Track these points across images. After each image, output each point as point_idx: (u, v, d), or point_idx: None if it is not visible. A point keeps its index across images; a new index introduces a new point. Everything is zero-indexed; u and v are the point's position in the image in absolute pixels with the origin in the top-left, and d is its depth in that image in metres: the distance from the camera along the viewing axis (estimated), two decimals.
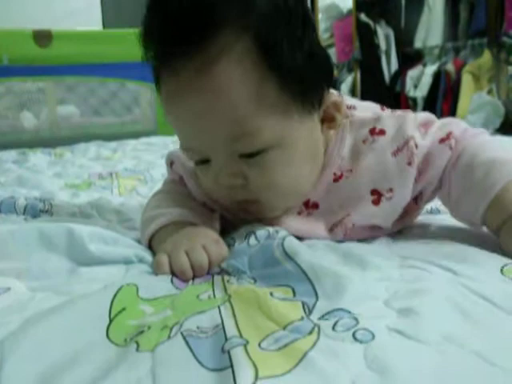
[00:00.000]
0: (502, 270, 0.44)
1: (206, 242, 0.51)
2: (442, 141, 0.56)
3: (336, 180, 0.59)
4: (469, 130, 0.59)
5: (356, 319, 0.35)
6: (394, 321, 0.36)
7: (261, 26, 0.48)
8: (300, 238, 0.55)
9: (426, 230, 0.62)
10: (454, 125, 0.58)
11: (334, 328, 0.34)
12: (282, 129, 0.51)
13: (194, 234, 0.54)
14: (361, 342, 0.32)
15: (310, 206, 0.60)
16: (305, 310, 0.38)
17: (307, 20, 0.53)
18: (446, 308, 0.37)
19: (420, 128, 0.58)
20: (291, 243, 0.49)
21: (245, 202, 0.56)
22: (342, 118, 0.58)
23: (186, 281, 0.47)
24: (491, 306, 0.37)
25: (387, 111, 0.62)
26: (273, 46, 0.48)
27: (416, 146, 0.55)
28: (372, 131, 0.58)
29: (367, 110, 0.62)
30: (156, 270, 0.49)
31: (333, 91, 0.58)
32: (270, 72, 0.49)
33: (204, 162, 0.55)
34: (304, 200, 0.60)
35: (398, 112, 0.61)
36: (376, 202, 0.57)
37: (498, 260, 0.47)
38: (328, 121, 0.57)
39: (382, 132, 0.57)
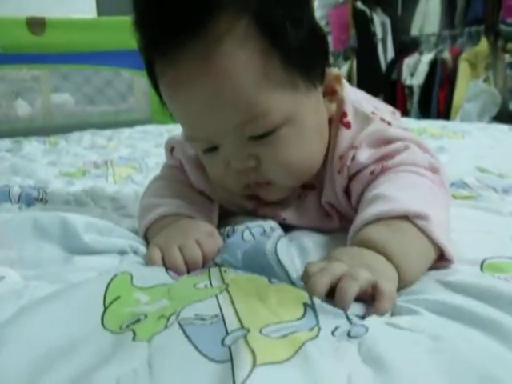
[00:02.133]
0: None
1: (200, 236, 0.51)
2: (373, 163, 0.54)
3: (339, 171, 0.58)
4: (417, 161, 0.53)
5: (350, 320, 0.35)
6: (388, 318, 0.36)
7: (259, 5, 0.48)
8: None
9: None
10: (405, 153, 0.54)
11: (333, 333, 0.33)
12: (291, 106, 0.50)
13: (187, 228, 0.53)
14: (355, 337, 0.32)
15: (306, 187, 0.60)
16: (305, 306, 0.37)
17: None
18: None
19: (378, 143, 0.55)
20: (283, 248, 0.47)
21: (256, 185, 0.55)
22: (342, 89, 0.58)
23: (180, 275, 0.47)
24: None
25: (382, 112, 0.60)
26: (274, 25, 0.48)
27: (353, 158, 0.54)
28: (342, 118, 0.57)
29: (368, 102, 0.61)
30: (149, 264, 0.49)
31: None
32: (274, 50, 0.48)
33: (212, 149, 0.54)
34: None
35: (388, 118, 0.59)
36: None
37: None
38: (329, 94, 0.57)
39: (348, 125, 0.57)
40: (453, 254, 0.45)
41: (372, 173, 0.53)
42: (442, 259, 0.45)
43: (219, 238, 0.52)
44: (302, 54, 0.50)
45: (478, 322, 0.33)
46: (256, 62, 0.47)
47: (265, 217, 0.58)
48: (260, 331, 0.32)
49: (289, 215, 0.60)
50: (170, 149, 0.68)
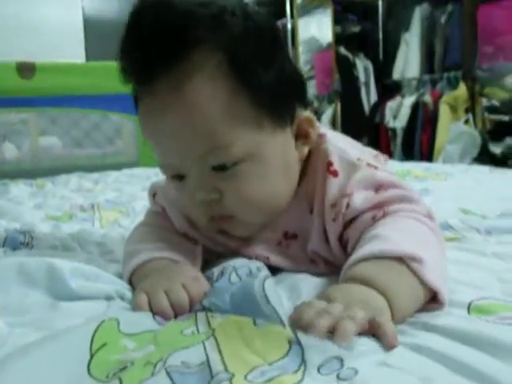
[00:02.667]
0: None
1: (186, 280, 0.51)
2: (371, 208, 0.55)
3: (311, 211, 0.59)
4: (413, 207, 0.54)
5: (341, 360, 0.34)
6: (380, 357, 0.36)
7: (232, 45, 0.51)
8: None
9: None
10: (402, 202, 0.54)
11: (319, 370, 0.33)
12: (254, 142, 0.52)
13: (172, 273, 0.53)
14: (344, 379, 0.32)
15: (288, 237, 0.61)
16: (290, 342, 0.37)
17: (277, 39, 0.56)
18: None
19: (370, 188, 0.56)
20: (270, 287, 0.47)
21: (220, 219, 0.56)
22: (316, 133, 0.59)
23: (167, 319, 0.47)
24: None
25: (368, 157, 0.62)
26: (243, 64, 0.51)
27: (347, 206, 0.55)
28: (328, 167, 0.58)
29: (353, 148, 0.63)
30: (136, 310, 0.48)
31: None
32: (241, 88, 0.51)
33: (180, 177, 0.56)
34: (275, 218, 0.59)
35: (374, 164, 0.59)
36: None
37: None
38: (302, 137, 0.58)
39: (335, 173, 0.57)
40: (446, 298, 0.45)
41: (374, 218, 0.53)
42: (433, 301, 0.46)
43: (205, 281, 0.52)
44: (270, 95, 0.53)
45: (464, 369, 0.34)
46: (222, 97, 0.50)
47: (249, 257, 0.58)
48: (245, 377, 0.32)
49: (272, 256, 0.60)
50: (153, 194, 0.69)
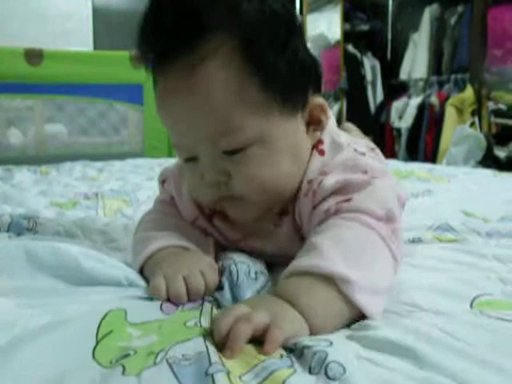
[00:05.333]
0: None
1: (204, 267, 0.52)
2: (335, 192, 0.55)
3: (306, 195, 0.59)
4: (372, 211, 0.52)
5: (325, 352, 0.35)
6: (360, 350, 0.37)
7: (247, 31, 0.52)
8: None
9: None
10: (365, 191, 0.54)
11: (310, 371, 0.34)
12: (263, 127, 0.53)
13: (192, 259, 0.55)
14: (334, 379, 0.33)
15: (282, 214, 0.62)
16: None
17: (293, 26, 0.57)
18: None
19: (350, 172, 0.56)
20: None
21: (227, 200, 0.57)
22: (328, 120, 0.60)
23: (177, 305, 0.48)
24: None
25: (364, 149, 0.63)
26: (257, 51, 0.52)
27: (319, 183, 0.56)
28: (318, 145, 0.60)
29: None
30: (152, 293, 0.49)
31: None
32: (254, 74, 0.52)
33: (192, 159, 0.57)
34: (284, 203, 0.60)
35: (361, 150, 0.60)
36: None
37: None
38: (314, 123, 0.60)
39: (322, 152, 0.59)
40: (375, 314, 0.45)
41: (326, 211, 0.54)
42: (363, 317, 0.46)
43: (218, 271, 0.54)
44: (282, 82, 0.54)
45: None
46: (235, 82, 0.52)
47: (251, 253, 0.60)
48: (239, 377, 0.33)
49: (268, 246, 0.62)
50: (162, 181, 0.70)
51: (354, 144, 0.61)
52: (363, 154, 0.60)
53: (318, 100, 0.59)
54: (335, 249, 0.47)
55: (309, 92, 0.58)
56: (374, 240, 0.50)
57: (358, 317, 0.45)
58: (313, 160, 0.59)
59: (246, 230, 0.63)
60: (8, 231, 0.79)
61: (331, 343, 0.37)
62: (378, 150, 0.72)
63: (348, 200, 0.53)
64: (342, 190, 0.55)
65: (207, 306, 0.47)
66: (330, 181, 0.56)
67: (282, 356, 0.37)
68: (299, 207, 0.59)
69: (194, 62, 0.51)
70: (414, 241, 0.73)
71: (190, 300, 0.49)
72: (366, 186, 0.54)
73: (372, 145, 0.72)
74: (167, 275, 0.51)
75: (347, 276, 0.44)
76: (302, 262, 0.47)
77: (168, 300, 0.48)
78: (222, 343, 0.38)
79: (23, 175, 1.66)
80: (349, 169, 0.57)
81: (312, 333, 0.42)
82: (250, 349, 0.37)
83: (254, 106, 0.52)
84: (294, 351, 0.38)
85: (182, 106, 0.53)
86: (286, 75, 0.54)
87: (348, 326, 0.44)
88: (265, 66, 0.52)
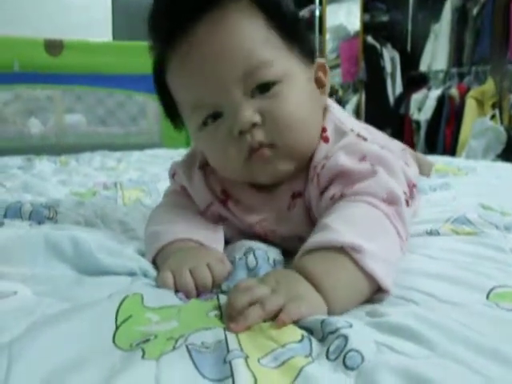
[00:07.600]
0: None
1: (211, 260, 0.53)
2: (336, 177, 0.57)
3: (312, 179, 0.61)
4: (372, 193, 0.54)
5: (345, 337, 0.35)
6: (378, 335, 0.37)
7: None
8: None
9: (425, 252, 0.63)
10: (368, 180, 0.55)
11: (327, 356, 0.35)
12: (289, 64, 0.58)
13: (198, 253, 0.56)
14: (352, 368, 0.33)
15: (295, 196, 0.63)
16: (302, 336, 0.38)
17: None
18: None
19: (353, 156, 0.58)
20: None
21: (259, 149, 0.57)
22: (329, 82, 0.65)
23: (188, 298, 0.48)
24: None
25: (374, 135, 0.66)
26: (269, 4, 0.58)
27: (323, 167, 0.58)
28: (322, 132, 0.62)
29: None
30: (160, 286, 0.50)
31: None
32: (271, 22, 0.57)
33: (215, 117, 0.57)
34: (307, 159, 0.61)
35: (364, 136, 0.63)
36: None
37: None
38: (319, 86, 0.64)
39: (327, 139, 0.61)
40: (389, 285, 0.46)
41: (332, 198, 0.56)
42: (380, 290, 0.47)
43: (228, 263, 0.54)
44: (296, 31, 0.60)
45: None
46: (258, 27, 0.56)
47: (265, 238, 0.62)
48: (258, 360, 0.33)
49: (280, 228, 0.64)
50: (173, 174, 0.71)
51: (355, 128, 0.63)
52: (365, 139, 0.62)
53: (320, 59, 0.64)
54: (345, 225, 0.49)
55: (314, 49, 0.63)
56: (380, 216, 0.52)
57: (371, 298, 0.46)
58: (318, 148, 0.61)
59: (260, 212, 0.64)
60: (29, 219, 0.81)
61: (351, 325, 0.37)
62: (409, 150, 0.73)
63: (351, 187, 0.55)
64: (346, 177, 0.56)
65: (223, 298, 0.47)
66: (331, 163, 0.58)
67: (302, 337, 0.37)
68: (309, 191, 0.61)
69: (218, 16, 0.55)
70: (431, 233, 0.72)
71: (198, 294, 0.49)
72: (371, 175, 0.55)
73: (403, 145, 0.74)
74: (174, 269, 0.51)
75: (359, 244, 0.45)
76: (314, 239, 0.48)
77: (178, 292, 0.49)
78: (232, 316, 0.39)
79: (43, 165, 1.68)
80: (350, 152, 0.58)
81: (331, 312, 0.43)
82: (269, 329, 0.38)
83: (278, 48, 0.57)
84: (314, 334, 0.38)
85: (208, 54, 0.55)
86: (298, 27, 0.61)
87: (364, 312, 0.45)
88: (280, 16, 0.58)
